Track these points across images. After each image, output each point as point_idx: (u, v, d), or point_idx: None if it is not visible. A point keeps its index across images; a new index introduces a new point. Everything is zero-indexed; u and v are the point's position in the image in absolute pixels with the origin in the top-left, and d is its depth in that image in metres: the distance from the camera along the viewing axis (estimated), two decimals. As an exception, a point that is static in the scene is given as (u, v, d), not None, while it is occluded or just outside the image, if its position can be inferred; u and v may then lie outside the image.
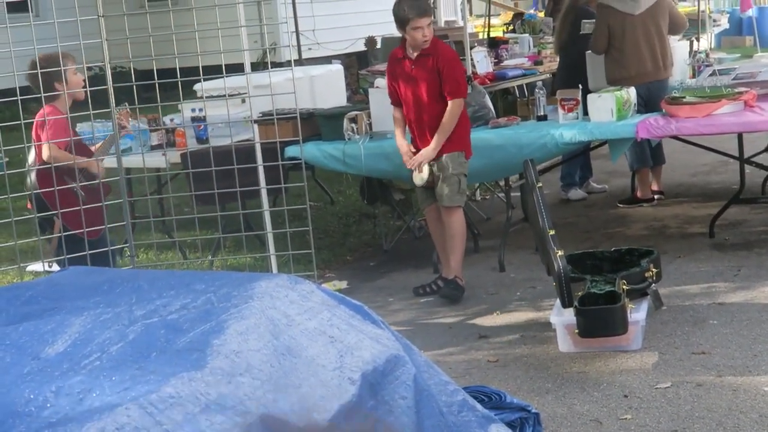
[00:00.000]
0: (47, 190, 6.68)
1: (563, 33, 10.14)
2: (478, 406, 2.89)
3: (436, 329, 6.87)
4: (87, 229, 6.58)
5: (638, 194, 9.69)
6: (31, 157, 7.09)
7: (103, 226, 6.88)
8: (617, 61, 9.15)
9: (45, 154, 6.83)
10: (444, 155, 7.31)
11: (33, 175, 6.93)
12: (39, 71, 6.65)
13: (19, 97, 6.35)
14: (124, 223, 6.95)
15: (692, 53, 10.31)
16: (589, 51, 9.74)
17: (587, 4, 9.96)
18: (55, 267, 7.37)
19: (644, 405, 5.32)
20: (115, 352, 2.33)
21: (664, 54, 9.18)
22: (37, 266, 7.68)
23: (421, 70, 7.33)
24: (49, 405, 2.14)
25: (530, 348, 6.36)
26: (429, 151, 7.31)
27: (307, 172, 7.69)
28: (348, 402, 2.43)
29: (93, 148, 7.29)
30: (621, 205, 9.69)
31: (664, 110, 8.07)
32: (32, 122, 6.97)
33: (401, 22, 7.27)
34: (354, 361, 2.53)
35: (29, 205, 7.12)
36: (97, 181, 6.93)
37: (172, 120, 8.90)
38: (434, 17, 10.33)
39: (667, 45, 9.25)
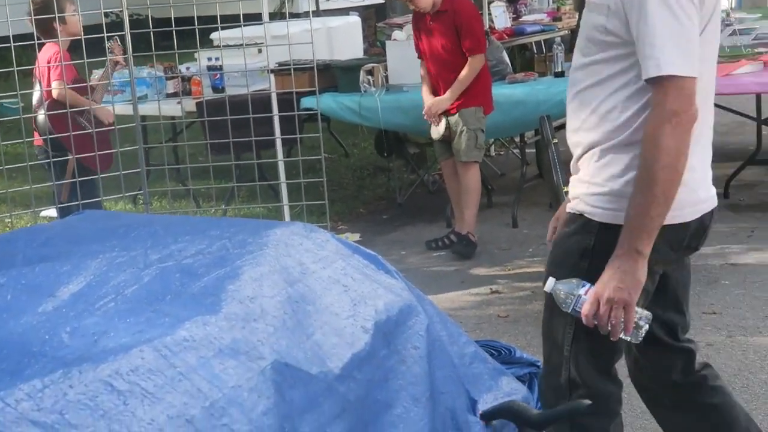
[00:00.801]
0: (60, 135, 6.70)
1: None
2: (489, 359, 2.91)
3: (448, 283, 6.89)
4: (98, 152, 6.61)
5: None
6: (36, 96, 7.09)
7: (112, 152, 6.91)
8: None
9: (54, 93, 6.85)
10: (462, 109, 7.30)
11: (42, 116, 6.94)
12: (33, 18, 6.63)
13: (36, 42, 6.35)
14: (139, 170, 6.96)
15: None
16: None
17: None
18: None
19: (654, 363, 5.33)
20: (130, 294, 2.34)
21: None
22: (50, 211, 7.71)
23: (440, 25, 7.30)
24: (64, 345, 2.15)
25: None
26: (442, 100, 7.30)
27: (322, 124, 7.68)
28: (361, 350, 2.44)
29: (93, 82, 7.30)
30: None
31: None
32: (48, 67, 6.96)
33: None
34: (367, 310, 2.54)
35: (39, 143, 7.15)
36: (100, 107, 6.95)
37: (188, 68, 8.89)
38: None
39: None
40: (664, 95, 2.88)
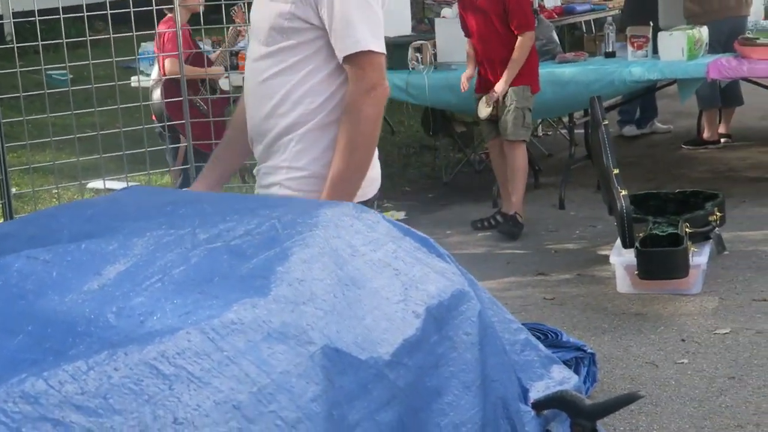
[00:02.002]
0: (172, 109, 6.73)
1: None
2: (541, 346, 2.84)
3: (494, 264, 6.82)
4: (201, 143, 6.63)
5: (704, 135, 9.53)
6: (155, 72, 7.14)
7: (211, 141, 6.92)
8: None
9: (167, 68, 6.89)
10: (510, 88, 7.21)
11: (158, 91, 6.99)
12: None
13: (86, 14, 6.32)
14: (185, 144, 6.94)
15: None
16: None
17: None
18: (115, 185, 7.40)
19: (702, 350, 5.25)
20: (177, 275, 2.29)
21: None
22: (97, 183, 7.71)
23: (488, 2, 7.21)
24: (110, 326, 2.10)
25: (588, 287, 6.29)
26: (500, 85, 7.22)
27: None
28: (412, 336, 2.37)
29: (213, 57, 7.32)
30: (686, 147, 9.54)
31: (736, 51, 7.89)
32: (96, 39, 6.95)
33: None
34: (419, 294, 2.47)
35: (153, 117, 7.22)
36: (217, 96, 6.97)
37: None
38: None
39: None
40: (362, 70, 3.11)
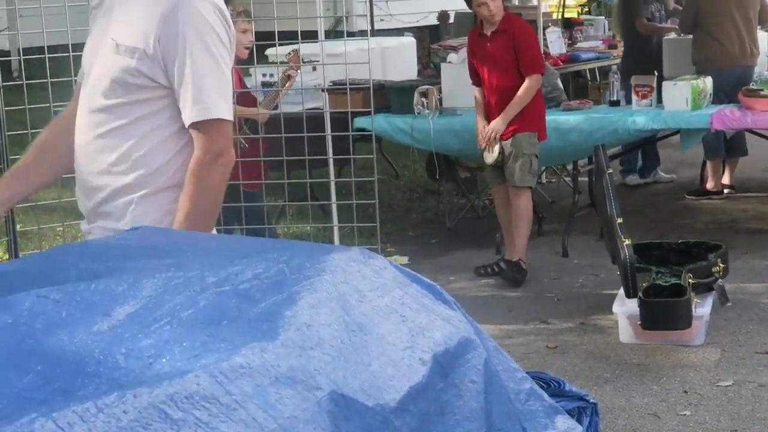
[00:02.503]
0: None
1: (620, 18, 10.11)
2: (545, 396, 2.84)
3: (496, 311, 6.82)
4: (244, 182, 6.64)
5: (707, 186, 9.56)
6: None
7: (260, 181, 6.95)
8: (704, 42, 9.02)
9: None
10: (517, 134, 7.24)
11: None
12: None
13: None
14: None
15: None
16: (665, 38, 9.68)
17: None
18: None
19: (704, 402, 5.24)
20: (186, 318, 2.30)
21: (752, 40, 9.06)
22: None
23: (497, 46, 7.26)
24: (118, 367, 2.11)
25: (590, 336, 6.29)
26: (498, 122, 7.24)
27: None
28: (418, 383, 2.37)
29: (259, 101, 7.36)
30: (689, 197, 9.57)
31: (740, 101, 7.94)
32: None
33: None
34: (425, 341, 2.48)
35: None
36: (258, 136, 7.01)
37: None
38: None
39: (754, 32, 9.13)
40: (210, 137, 3.02)
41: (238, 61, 7.06)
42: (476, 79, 7.48)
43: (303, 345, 2.21)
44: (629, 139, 8.30)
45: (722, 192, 9.52)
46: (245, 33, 7.03)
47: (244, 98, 7.12)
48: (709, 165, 9.57)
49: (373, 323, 2.42)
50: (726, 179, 9.67)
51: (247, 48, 7.10)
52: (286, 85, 7.35)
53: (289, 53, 7.33)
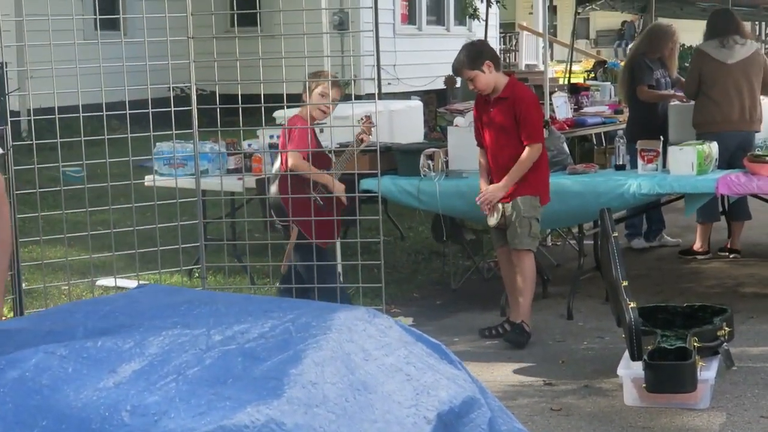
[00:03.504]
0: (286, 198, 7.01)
1: (624, 85, 10.19)
2: (550, 456, 2.84)
3: (500, 373, 6.81)
4: (318, 241, 6.77)
5: (694, 246, 9.65)
6: (276, 165, 7.30)
7: (334, 240, 7.03)
8: (705, 106, 9.13)
9: (290, 162, 7.04)
10: (518, 197, 7.26)
11: (275, 185, 7.15)
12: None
13: (105, 113, 6.42)
14: (198, 244, 6.99)
15: (778, 112, 10.21)
16: (671, 104, 9.77)
17: (645, 55, 9.90)
18: (125, 283, 7.43)
19: (710, 466, 5.22)
20: (192, 375, 2.32)
21: (753, 106, 9.13)
22: (107, 281, 7.75)
23: (499, 113, 7.31)
24: (123, 424, 2.12)
25: (595, 399, 6.27)
26: (497, 188, 7.27)
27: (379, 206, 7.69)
28: (422, 442, 2.39)
29: (333, 162, 7.47)
30: (680, 255, 9.72)
31: (745, 167, 7.97)
32: (113, 138, 7.05)
33: None
34: (430, 400, 2.49)
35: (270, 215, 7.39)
36: (333, 194, 7.11)
37: (249, 145, 8.96)
38: (515, 62, 10.37)
39: (757, 99, 9.19)
40: None
41: (312, 120, 7.16)
42: (481, 141, 7.52)
43: (308, 402, 2.23)
44: (635, 203, 8.32)
45: (708, 253, 9.63)
46: (323, 96, 7.14)
47: (319, 158, 7.22)
48: (698, 227, 9.67)
49: (378, 382, 2.44)
50: (731, 244, 9.71)
51: (324, 111, 7.22)
52: (361, 146, 7.52)
53: (362, 119, 7.49)
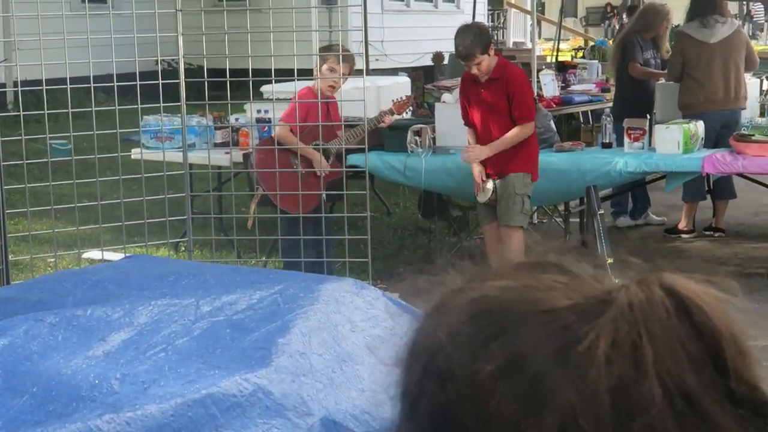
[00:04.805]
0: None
1: (615, 62, 10.22)
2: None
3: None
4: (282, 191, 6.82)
5: (680, 225, 9.70)
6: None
7: (299, 210, 7.09)
8: (689, 87, 9.15)
9: (276, 132, 7.09)
10: (509, 174, 7.28)
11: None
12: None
13: (92, 85, 6.41)
14: (185, 217, 7.00)
15: (763, 92, 10.24)
16: (658, 82, 9.78)
17: (638, 33, 9.92)
18: (112, 255, 7.43)
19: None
20: (181, 345, 2.34)
21: (738, 85, 9.15)
22: (93, 253, 7.75)
23: (491, 93, 7.30)
24: (113, 392, 2.14)
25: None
26: (481, 150, 7.28)
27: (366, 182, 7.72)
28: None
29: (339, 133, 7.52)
30: (665, 234, 9.77)
31: (731, 146, 8.01)
32: (100, 110, 7.05)
33: (456, 55, 7.41)
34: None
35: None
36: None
37: (237, 119, 8.95)
38: (502, 39, 10.37)
39: (741, 76, 9.21)
40: None
41: (323, 96, 7.18)
42: (468, 120, 7.52)
43: (296, 372, 2.25)
44: (621, 181, 8.35)
45: (693, 232, 9.66)
46: (332, 71, 7.15)
47: (327, 130, 7.25)
48: (684, 206, 9.71)
49: (364, 352, 2.46)
50: (716, 223, 9.75)
51: (332, 87, 7.23)
52: (379, 124, 7.57)
53: (402, 97, 7.53)
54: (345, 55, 7.28)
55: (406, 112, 7.58)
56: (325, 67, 7.17)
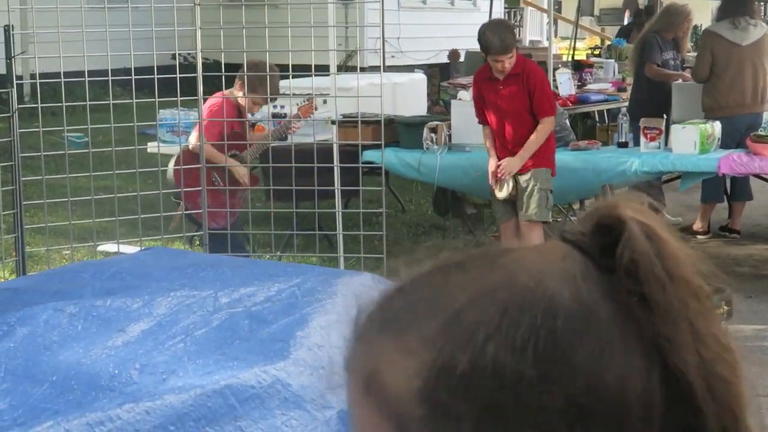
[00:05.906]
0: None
1: (633, 61, 10.16)
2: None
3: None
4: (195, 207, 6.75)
5: (694, 226, 9.62)
6: (192, 137, 7.34)
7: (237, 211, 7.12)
8: (716, 89, 9.03)
9: (190, 144, 7.09)
10: (532, 169, 7.24)
11: (173, 160, 7.19)
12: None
13: (110, 78, 6.43)
14: (201, 210, 7.01)
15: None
16: (674, 83, 9.73)
17: (658, 33, 9.87)
18: (127, 248, 7.45)
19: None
20: (200, 336, 2.34)
21: (765, 88, 9.08)
22: (109, 246, 7.77)
23: (510, 89, 7.24)
24: (132, 382, 2.15)
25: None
26: (514, 162, 7.22)
27: (380, 178, 7.72)
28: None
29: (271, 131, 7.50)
30: (680, 235, 9.69)
31: (748, 147, 7.98)
32: (116, 104, 7.06)
33: (484, 49, 7.22)
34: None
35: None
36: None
37: (253, 115, 8.96)
38: (519, 37, 10.36)
39: (766, 79, 9.15)
40: None
41: (246, 110, 7.18)
42: (483, 118, 7.46)
43: (314, 364, 2.25)
44: (636, 180, 8.33)
45: (708, 233, 9.59)
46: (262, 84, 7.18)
47: (242, 139, 7.27)
48: (701, 207, 9.64)
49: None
50: (732, 224, 9.71)
51: (257, 104, 7.27)
52: (290, 130, 7.51)
53: (305, 100, 7.45)
54: (266, 75, 7.25)
55: (310, 116, 7.53)
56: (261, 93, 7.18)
